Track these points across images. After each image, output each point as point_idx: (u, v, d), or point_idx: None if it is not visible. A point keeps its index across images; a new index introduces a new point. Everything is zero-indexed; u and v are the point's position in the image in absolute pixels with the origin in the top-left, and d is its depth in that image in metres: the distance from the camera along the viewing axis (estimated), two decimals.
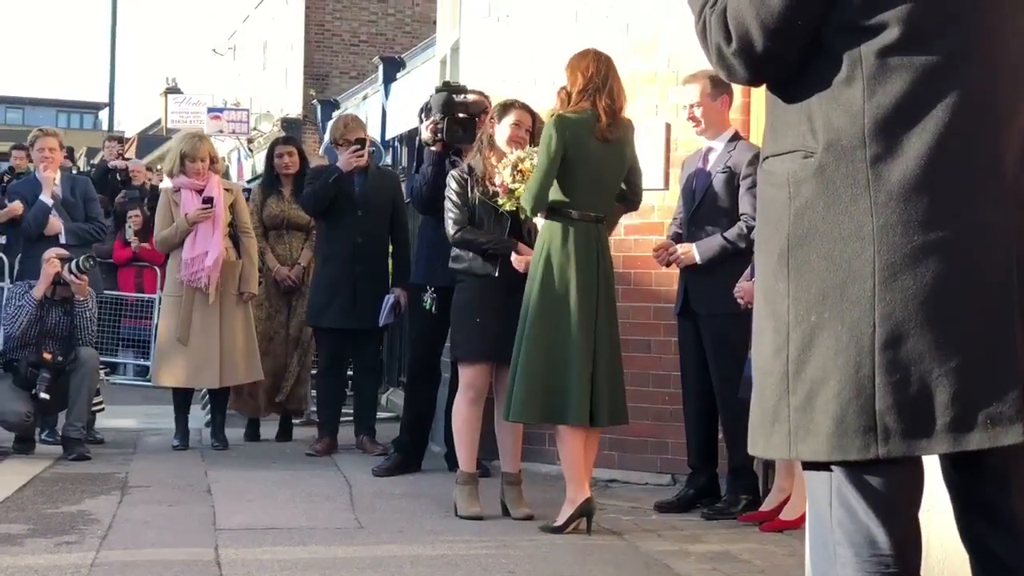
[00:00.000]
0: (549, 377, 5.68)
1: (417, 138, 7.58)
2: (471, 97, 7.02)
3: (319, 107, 27.07)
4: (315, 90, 28.77)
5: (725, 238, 6.18)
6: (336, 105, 25.58)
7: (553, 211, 5.76)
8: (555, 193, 5.73)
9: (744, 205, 6.15)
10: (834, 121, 2.49)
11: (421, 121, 7.28)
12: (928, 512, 2.60)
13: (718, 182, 6.24)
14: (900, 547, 2.51)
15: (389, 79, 21.02)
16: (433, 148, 7.02)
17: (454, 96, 6.97)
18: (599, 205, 5.85)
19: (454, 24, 9.24)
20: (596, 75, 5.77)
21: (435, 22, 11.05)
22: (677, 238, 6.41)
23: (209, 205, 8.15)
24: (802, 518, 5.39)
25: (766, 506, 6.07)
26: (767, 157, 2.65)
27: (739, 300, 6.15)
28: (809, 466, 2.59)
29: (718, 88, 6.23)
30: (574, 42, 7.27)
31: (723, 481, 6.35)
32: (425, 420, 7.56)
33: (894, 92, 2.46)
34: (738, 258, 6.18)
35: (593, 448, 5.92)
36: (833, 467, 2.53)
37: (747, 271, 6.21)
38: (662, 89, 7.04)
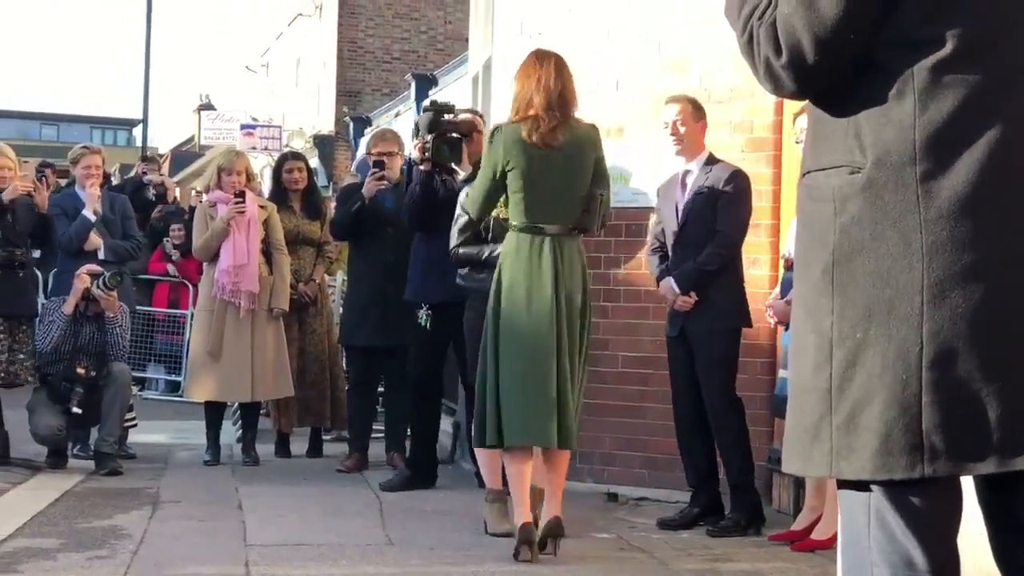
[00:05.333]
0: (510, 399, 5.45)
1: (408, 157, 7.72)
2: (461, 116, 7.08)
3: (351, 124, 27.18)
4: (347, 107, 28.89)
5: (697, 263, 6.22)
6: (368, 122, 25.69)
7: (508, 225, 5.73)
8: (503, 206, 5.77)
9: (722, 222, 6.21)
10: (884, 136, 2.46)
11: (412, 140, 7.38)
12: (961, 533, 2.58)
13: (699, 203, 6.28)
14: (939, 570, 2.48)
15: (421, 96, 21.11)
16: (421, 167, 7.08)
17: (441, 116, 7.02)
18: (555, 215, 5.59)
19: (486, 42, 9.25)
20: (528, 79, 5.58)
21: (467, 39, 11.09)
22: (663, 262, 6.42)
23: (241, 199, 8.20)
24: (833, 538, 5.36)
25: (797, 525, 6.04)
26: (809, 171, 2.61)
27: (769, 319, 6.16)
28: (845, 485, 2.57)
29: (698, 111, 6.36)
30: (607, 60, 7.29)
31: (726, 499, 6.34)
32: (432, 435, 7.63)
33: (946, 108, 2.42)
34: (725, 275, 6.22)
35: (561, 466, 5.59)
36: (872, 487, 2.50)
37: (776, 289, 6.20)
38: None
